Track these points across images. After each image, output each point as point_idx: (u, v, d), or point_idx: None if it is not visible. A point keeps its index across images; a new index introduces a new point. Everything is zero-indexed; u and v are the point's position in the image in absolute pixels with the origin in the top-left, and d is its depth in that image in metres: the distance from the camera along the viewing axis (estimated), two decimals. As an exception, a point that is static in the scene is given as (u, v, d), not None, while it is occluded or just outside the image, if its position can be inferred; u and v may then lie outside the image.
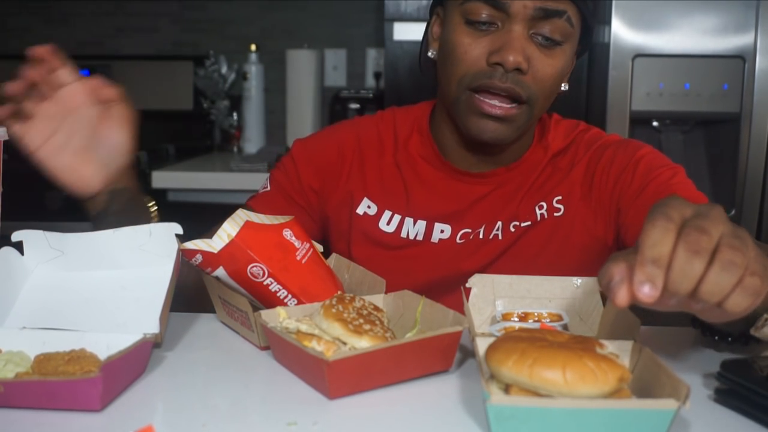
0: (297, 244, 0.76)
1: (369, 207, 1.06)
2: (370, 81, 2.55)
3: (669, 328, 0.81)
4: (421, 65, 1.09)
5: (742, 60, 1.77)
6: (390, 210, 1.06)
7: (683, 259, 0.53)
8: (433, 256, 1.02)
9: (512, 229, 1.02)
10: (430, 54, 1.04)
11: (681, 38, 1.78)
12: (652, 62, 1.80)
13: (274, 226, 0.76)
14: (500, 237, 1.02)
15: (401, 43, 2.01)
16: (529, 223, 1.02)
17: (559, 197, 1.03)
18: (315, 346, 0.64)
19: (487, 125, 0.95)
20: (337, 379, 0.60)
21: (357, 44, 2.59)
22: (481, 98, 0.93)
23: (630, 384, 0.63)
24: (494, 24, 0.93)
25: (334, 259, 0.88)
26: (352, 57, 2.59)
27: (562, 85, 1.01)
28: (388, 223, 1.05)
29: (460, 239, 1.03)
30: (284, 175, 1.08)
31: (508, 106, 0.93)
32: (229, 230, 0.73)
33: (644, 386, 0.60)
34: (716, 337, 0.75)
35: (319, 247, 0.82)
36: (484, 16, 0.93)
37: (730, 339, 0.74)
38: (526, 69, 0.92)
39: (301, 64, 2.47)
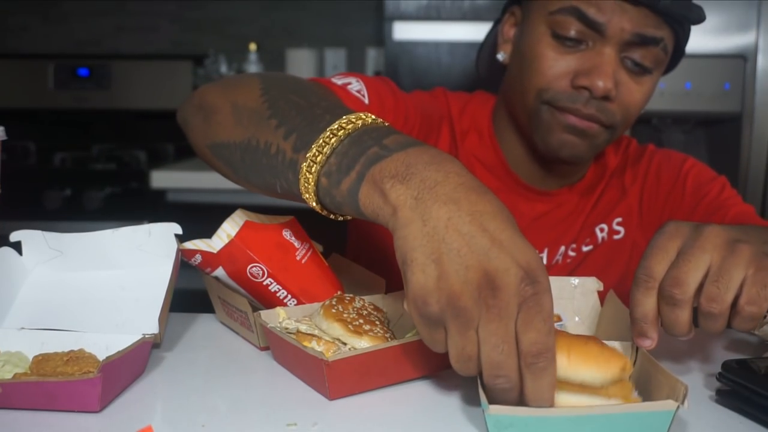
0: (297, 244, 0.76)
1: None
2: (370, 81, 2.54)
3: (670, 329, 0.81)
4: (477, 67, 1.02)
5: (743, 59, 1.77)
6: None
7: (667, 311, 0.61)
8: None
9: (572, 253, 0.98)
10: (499, 56, 0.96)
11: (681, 38, 1.78)
12: (652, 62, 1.79)
13: (274, 226, 0.75)
14: (560, 261, 0.97)
15: (401, 42, 2.01)
16: (590, 247, 0.98)
17: (620, 219, 0.99)
18: (315, 346, 0.64)
19: (569, 139, 0.88)
20: (337, 379, 0.60)
21: (357, 44, 2.58)
22: (568, 117, 0.87)
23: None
24: (584, 42, 0.86)
25: (333, 260, 0.88)
26: (352, 57, 2.59)
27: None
28: None
29: None
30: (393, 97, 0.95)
31: (597, 125, 0.88)
32: (228, 230, 0.72)
33: (641, 387, 0.60)
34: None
35: (319, 247, 0.82)
36: (573, 32, 0.85)
37: None
38: (614, 96, 0.86)
39: (301, 63, 2.47)
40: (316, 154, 0.60)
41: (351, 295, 0.71)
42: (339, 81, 0.90)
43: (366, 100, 0.90)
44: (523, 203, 0.98)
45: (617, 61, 0.86)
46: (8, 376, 0.61)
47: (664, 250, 0.62)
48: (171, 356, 0.72)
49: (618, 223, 0.99)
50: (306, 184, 0.61)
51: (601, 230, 0.99)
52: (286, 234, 0.76)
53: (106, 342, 0.66)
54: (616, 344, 0.65)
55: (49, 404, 0.58)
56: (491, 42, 1.01)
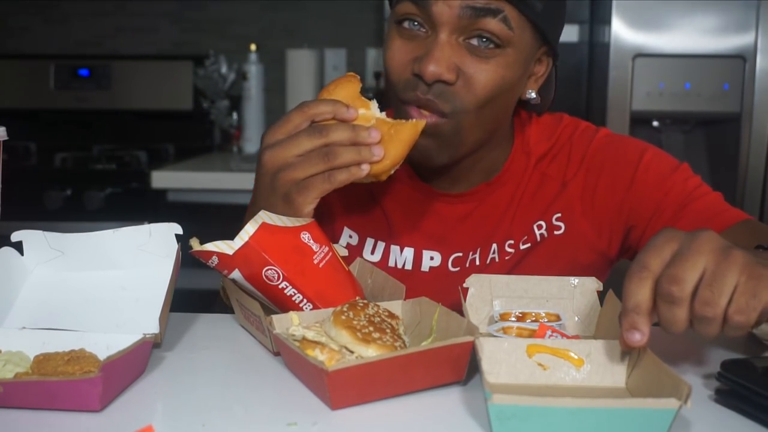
0: (315, 247, 0.75)
1: (351, 236, 0.99)
2: (370, 81, 2.54)
3: (669, 328, 0.81)
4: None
5: (742, 60, 1.77)
6: (372, 237, 0.98)
7: (664, 308, 0.61)
8: (427, 286, 0.91)
9: (509, 249, 0.96)
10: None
11: (681, 38, 1.78)
12: (652, 62, 1.80)
13: (291, 229, 0.74)
14: (497, 260, 0.96)
15: (401, 43, 2.01)
16: (528, 245, 0.96)
17: (559, 214, 0.96)
18: (318, 354, 0.63)
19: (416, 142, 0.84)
20: (339, 389, 0.59)
21: (357, 44, 2.58)
22: (410, 109, 0.85)
23: (630, 384, 0.63)
24: (423, 29, 0.84)
25: (358, 264, 0.86)
26: (352, 57, 2.59)
27: (528, 92, 0.91)
28: (372, 252, 0.98)
29: (453, 266, 0.96)
30: None
31: (435, 117, 0.84)
32: (250, 231, 0.71)
33: (645, 386, 0.60)
34: None
35: (343, 252, 0.80)
36: (411, 15, 0.84)
37: None
38: (453, 80, 0.83)
39: (301, 64, 2.47)
40: None
41: (365, 302, 0.69)
42: None
43: None
44: (443, 207, 0.97)
45: (453, 44, 0.83)
46: (9, 375, 0.61)
47: (659, 249, 0.62)
48: (171, 356, 0.72)
49: (557, 219, 0.96)
50: None
51: (539, 227, 0.96)
52: (305, 237, 0.74)
53: (107, 342, 0.66)
54: (615, 344, 0.65)
55: (50, 404, 0.58)
56: None
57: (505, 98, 0.88)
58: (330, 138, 0.77)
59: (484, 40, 0.83)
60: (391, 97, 0.90)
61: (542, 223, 0.96)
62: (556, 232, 0.96)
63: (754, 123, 1.79)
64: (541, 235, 0.96)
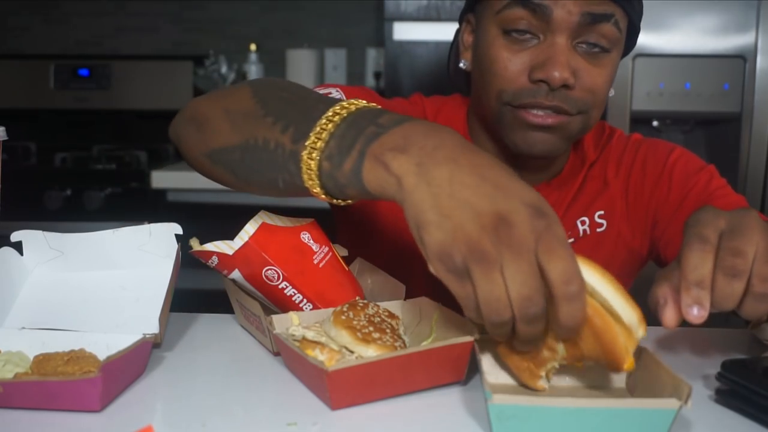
0: (315, 247, 0.74)
1: None
2: (370, 81, 2.55)
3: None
4: (449, 74, 1.03)
5: (742, 60, 1.77)
6: None
7: (723, 282, 0.58)
8: None
9: None
10: (462, 65, 0.96)
11: (681, 38, 1.78)
12: (652, 62, 1.80)
13: (291, 229, 0.74)
14: None
15: (401, 42, 2.01)
16: (572, 239, 0.98)
17: (602, 212, 0.98)
18: (318, 354, 0.63)
19: (537, 137, 0.88)
20: (339, 389, 0.59)
21: (357, 44, 2.58)
22: (527, 111, 0.87)
23: (630, 384, 0.63)
24: (535, 36, 0.86)
25: (358, 263, 0.86)
26: (352, 57, 2.59)
27: (611, 90, 0.94)
28: None
29: None
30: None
31: (558, 115, 0.87)
32: (250, 231, 0.71)
33: (645, 386, 0.60)
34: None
35: (343, 251, 0.80)
36: (523, 24, 0.85)
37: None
38: (573, 84, 0.85)
39: (301, 64, 2.47)
40: (315, 140, 0.61)
41: (365, 302, 0.69)
42: (320, 91, 0.90)
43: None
44: None
45: (571, 49, 0.85)
46: (9, 375, 0.61)
47: (714, 223, 0.60)
48: (171, 356, 0.72)
49: (600, 216, 0.98)
50: (309, 171, 0.62)
51: (582, 223, 0.98)
52: (304, 237, 0.74)
53: (107, 342, 0.66)
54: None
55: (50, 404, 0.58)
56: (455, 50, 1.02)
57: (606, 97, 0.91)
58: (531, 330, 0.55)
59: (593, 44, 0.86)
60: (489, 103, 0.91)
61: (585, 219, 0.99)
62: (598, 230, 0.99)
63: (755, 123, 1.79)
64: (584, 231, 0.99)
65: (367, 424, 0.58)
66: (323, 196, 0.63)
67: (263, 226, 0.72)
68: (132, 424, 0.57)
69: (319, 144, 0.61)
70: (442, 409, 0.61)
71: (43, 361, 0.63)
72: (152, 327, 0.70)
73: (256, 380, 0.67)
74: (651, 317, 0.60)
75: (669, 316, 0.59)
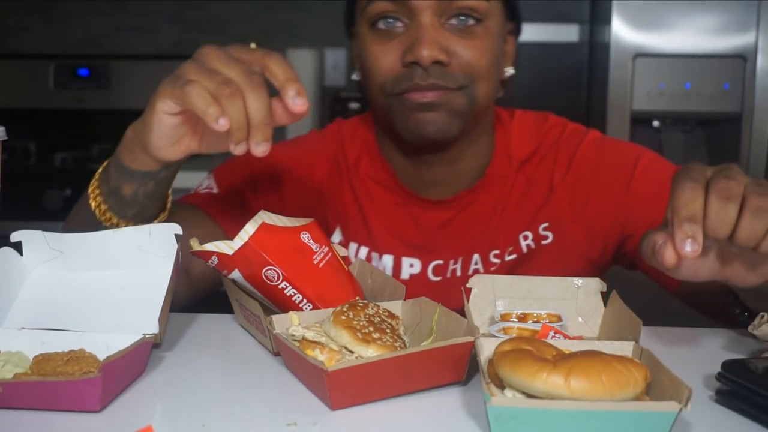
0: (315, 247, 0.74)
1: (340, 239, 0.98)
2: (370, 81, 2.55)
3: (670, 329, 0.81)
4: (364, 93, 1.03)
5: (743, 59, 1.77)
6: (355, 242, 0.97)
7: (717, 206, 0.57)
8: (407, 295, 0.87)
9: (494, 260, 0.94)
10: (354, 77, 0.97)
11: (681, 38, 1.78)
12: (652, 62, 1.80)
13: (291, 229, 0.74)
14: (481, 270, 0.93)
15: (401, 42, 2.01)
16: (515, 256, 0.93)
17: (546, 224, 0.94)
18: (318, 355, 0.63)
19: (425, 117, 0.86)
20: (339, 389, 0.59)
21: (357, 44, 2.58)
22: (409, 94, 0.86)
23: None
24: (400, 22, 0.86)
25: (358, 264, 0.86)
26: (352, 57, 2.59)
27: (506, 69, 0.93)
28: (355, 257, 0.96)
29: (433, 275, 0.95)
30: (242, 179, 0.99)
31: (436, 91, 0.85)
32: (249, 231, 0.71)
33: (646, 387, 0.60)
34: (746, 314, 0.75)
35: (343, 251, 0.80)
36: (389, 14, 0.86)
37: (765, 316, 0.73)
38: (448, 60, 0.85)
39: (301, 63, 2.47)
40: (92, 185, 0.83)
41: (365, 302, 0.69)
42: (197, 190, 1.03)
43: (215, 190, 1.01)
44: (423, 213, 0.96)
45: (439, 27, 0.85)
46: (9, 376, 0.61)
47: (700, 168, 0.61)
48: (171, 356, 0.72)
49: (545, 228, 0.94)
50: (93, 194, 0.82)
51: (525, 238, 0.94)
52: (304, 237, 0.74)
53: (107, 342, 0.66)
54: (617, 345, 0.65)
55: (50, 404, 0.58)
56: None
57: (495, 70, 0.90)
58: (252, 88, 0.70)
59: (463, 17, 0.85)
60: (376, 100, 0.91)
61: (528, 233, 0.94)
62: (543, 242, 0.94)
63: (755, 123, 1.79)
64: (528, 246, 0.94)
65: (367, 424, 0.58)
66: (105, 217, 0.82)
67: (263, 226, 0.72)
68: (132, 424, 0.57)
69: (94, 183, 0.83)
70: (442, 409, 0.61)
71: (42, 361, 0.63)
72: (152, 327, 0.70)
73: (256, 380, 0.67)
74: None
75: (668, 255, 0.58)
